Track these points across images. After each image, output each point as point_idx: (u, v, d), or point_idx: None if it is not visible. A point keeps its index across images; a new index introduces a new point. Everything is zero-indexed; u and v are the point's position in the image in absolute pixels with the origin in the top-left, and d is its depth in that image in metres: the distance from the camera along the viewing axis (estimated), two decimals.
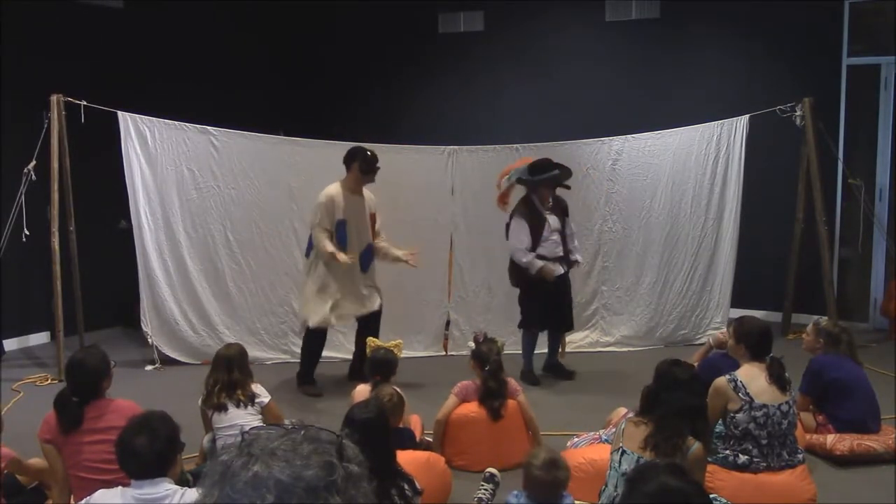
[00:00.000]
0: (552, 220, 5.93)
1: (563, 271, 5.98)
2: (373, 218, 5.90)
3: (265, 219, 6.63)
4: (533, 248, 5.86)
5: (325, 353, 6.11)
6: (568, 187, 6.10)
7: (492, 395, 4.41)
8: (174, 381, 6.07)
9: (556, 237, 5.94)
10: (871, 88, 7.41)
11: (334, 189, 5.67)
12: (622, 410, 4.30)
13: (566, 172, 5.98)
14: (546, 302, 5.95)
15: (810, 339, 4.82)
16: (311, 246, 5.80)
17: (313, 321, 5.74)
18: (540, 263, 5.84)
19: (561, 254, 5.96)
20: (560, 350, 6.26)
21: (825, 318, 5.19)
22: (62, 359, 5.79)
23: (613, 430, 3.92)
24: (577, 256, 6.14)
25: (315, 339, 5.88)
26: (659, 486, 2.00)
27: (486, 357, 4.48)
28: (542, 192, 5.93)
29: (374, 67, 9.34)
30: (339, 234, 5.66)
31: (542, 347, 6.27)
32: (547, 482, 3.17)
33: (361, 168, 5.66)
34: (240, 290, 6.63)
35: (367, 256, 5.86)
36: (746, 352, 4.04)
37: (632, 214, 6.97)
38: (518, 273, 5.99)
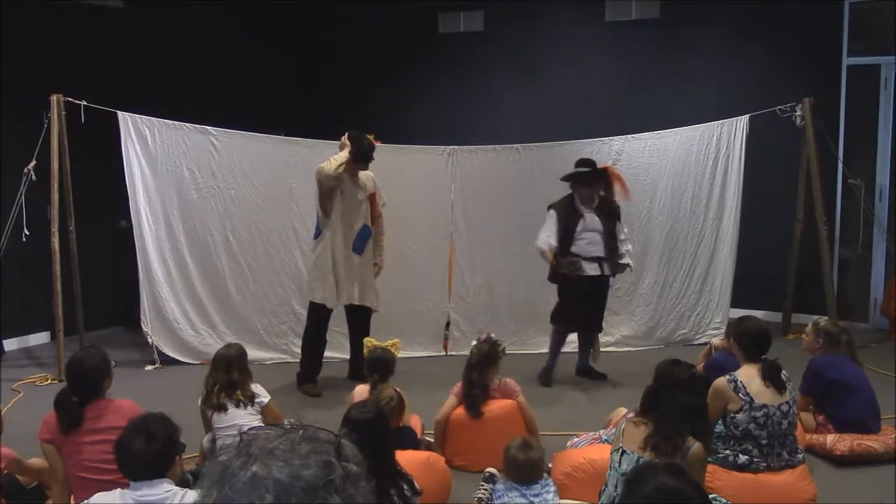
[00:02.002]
0: (589, 218, 5.85)
1: (594, 273, 5.86)
2: (372, 198, 5.88)
3: (265, 219, 6.63)
4: (564, 243, 5.84)
5: (325, 354, 6.11)
6: (602, 192, 5.93)
7: (467, 396, 4.41)
8: (174, 381, 6.07)
9: (592, 236, 5.83)
10: (871, 88, 7.42)
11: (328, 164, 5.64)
12: (622, 410, 4.30)
13: (591, 174, 5.87)
14: (576, 302, 5.91)
15: (810, 339, 4.83)
16: (319, 230, 5.80)
17: (317, 297, 5.75)
18: (546, 248, 5.83)
19: (597, 254, 5.84)
20: (592, 352, 6.19)
21: (824, 317, 5.18)
22: (62, 359, 5.80)
23: (613, 430, 3.94)
24: (627, 260, 5.97)
25: (314, 338, 5.89)
26: (657, 486, 2.00)
27: (469, 358, 4.50)
28: (578, 189, 5.90)
29: (374, 67, 9.34)
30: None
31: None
32: (522, 461, 3.56)
33: (355, 156, 5.62)
34: (240, 290, 6.63)
35: (363, 238, 5.82)
36: (741, 352, 4.06)
37: (632, 214, 6.94)
38: (552, 268, 5.96)
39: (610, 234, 5.89)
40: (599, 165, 6.00)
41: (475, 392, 4.40)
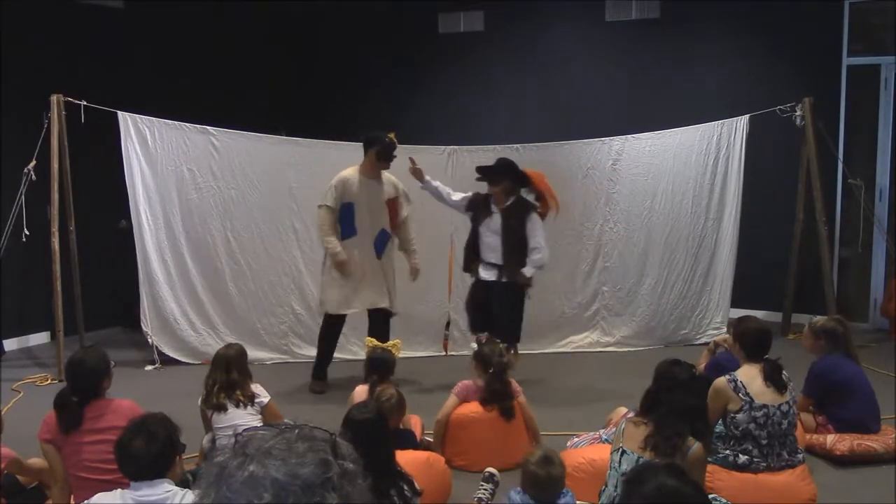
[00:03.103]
0: (494, 218, 5.68)
1: (490, 278, 5.68)
2: (392, 204, 5.86)
3: (265, 219, 6.63)
4: (473, 241, 5.81)
5: None
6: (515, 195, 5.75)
7: (498, 396, 4.41)
8: (174, 381, 6.06)
9: (491, 239, 5.66)
10: (871, 88, 7.42)
11: (349, 171, 5.71)
12: (622, 410, 4.30)
13: (484, 170, 5.74)
14: (472, 306, 5.87)
15: (809, 341, 4.80)
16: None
17: (330, 307, 5.79)
18: (435, 186, 5.85)
19: (493, 261, 5.66)
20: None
21: (819, 318, 5.15)
22: (62, 359, 5.79)
23: (613, 429, 3.94)
24: (526, 270, 5.63)
25: (328, 330, 5.91)
26: (657, 486, 2.00)
27: (489, 359, 4.48)
28: (488, 187, 5.77)
29: (374, 67, 9.34)
30: (346, 217, 5.69)
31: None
32: (542, 478, 3.26)
33: (378, 154, 5.67)
34: (240, 290, 6.63)
35: (381, 242, 5.84)
36: (742, 352, 4.06)
37: (633, 215, 6.97)
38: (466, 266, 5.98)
39: (511, 237, 5.61)
40: (529, 171, 5.76)
41: (505, 400, 4.40)
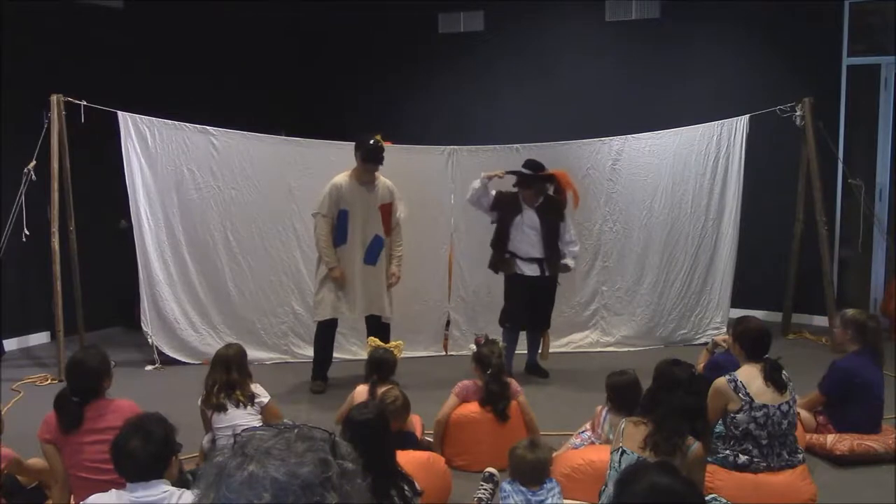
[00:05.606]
0: (528, 216, 5.87)
1: (534, 274, 5.87)
2: (386, 209, 5.83)
3: (265, 219, 6.63)
4: (501, 238, 5.92)
5: None
6: (550, 192, 5.96)
7: (495, 397, 4.42)
8: (174, 381, 6.07)
9: (529, 235, 5.86)
10: (871, 88, 7.42)
11: (341, 178, 5.70)
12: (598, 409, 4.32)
13: (530, 179, 5.84)
14: (518, 301, 5.94)
15: (839, 332, 4.72)
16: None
17: (318, 314, 5.79)
18: (477, 183, 5.91)
19: (536, 255, 5.87)
20: (541, 351, 6.17)
21: (851, 310, 4.99)
22: (62, 359, 5.80)
23: (588, 430, 4.15)
24: (569, 261, 6.00)
25: (322, 332, 5.90)
26: (650, 485, 1.99)
27: (487, 360, 4.48)
28: (521, 190, 5.91)
29: (374, 67, 9.35)
30: (341, 224, 5.68)
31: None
32: (530, 461, 3.47)
33: (362, 156, 5.63)
34: (240, 290, 6.63)
35: (375, 248, 5.80)
36: (742, 352, 4.06)
37: (632, 215, 6.97)
38: (493, 265, 6.08)
39: (550, 232, 5.88)
40: (551, 171, 5.93)
41: (501, 401, 4.40)
